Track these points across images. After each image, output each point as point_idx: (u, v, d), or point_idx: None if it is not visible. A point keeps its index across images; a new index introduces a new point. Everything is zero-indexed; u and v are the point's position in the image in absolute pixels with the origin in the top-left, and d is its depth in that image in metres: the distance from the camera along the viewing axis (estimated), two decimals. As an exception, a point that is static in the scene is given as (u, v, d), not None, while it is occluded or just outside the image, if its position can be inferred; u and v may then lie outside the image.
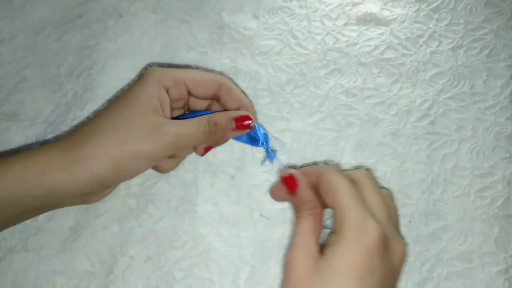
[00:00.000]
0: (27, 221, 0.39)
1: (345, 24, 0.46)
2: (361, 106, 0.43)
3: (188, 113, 0.38)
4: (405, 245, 0.30)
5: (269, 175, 0.40)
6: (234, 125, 0.34)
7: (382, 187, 0.37)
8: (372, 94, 0.43)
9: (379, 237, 0.27)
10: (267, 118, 0.42)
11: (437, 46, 0.45)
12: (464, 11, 0.46)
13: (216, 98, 0.37)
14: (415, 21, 0.46)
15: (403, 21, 0.46)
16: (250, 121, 0.34)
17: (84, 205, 0.39)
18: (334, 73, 0.44)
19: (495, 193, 0.39)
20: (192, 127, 0.33)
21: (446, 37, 0.45)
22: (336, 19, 0.46)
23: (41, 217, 0.39)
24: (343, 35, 0.46)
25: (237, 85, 0.38)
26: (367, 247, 0.27)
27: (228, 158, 0.41)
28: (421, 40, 0.45)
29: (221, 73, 0.42)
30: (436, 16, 0.46)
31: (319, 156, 0.41)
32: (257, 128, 0.36)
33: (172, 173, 0.40)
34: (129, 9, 0.47)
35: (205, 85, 0.36)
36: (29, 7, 0.47)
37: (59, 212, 0.39)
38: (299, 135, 0.42)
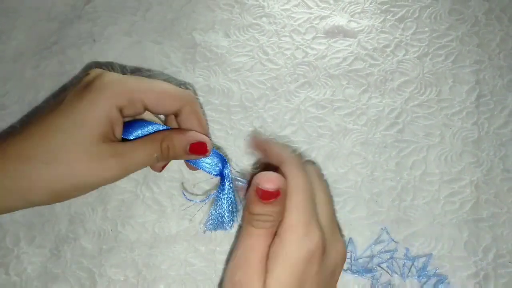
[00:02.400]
0: (9, 245, 0.40)
1: (313, 38, 0.47)
2: (331, 118, 0.44)
3: (137, 123, 0.33)
4: (343, 245, 0.30)
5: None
6: (187, 149, 0.31)
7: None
8: (341, 105, 0.44)
9: (320, 245, 0.27)
10: (240, 133, 0.43)
11: (404, 55, 0.46)
12: (429, 19, 0.47)
13: (174, 115, 0.33)
14: (382, 32, 0.47)
15: (370, 32, 0.47)
16: (206, 148, 0.32)
17: (64, 227, 0.40)
18: (304, 87, 0.45)
19: (464, 197, 0.40)
20: (143, 153, 0.30)
21: (412, 45, 0.46)
22: (304, 33, 0.48)
23: (23, 241, 0.40)
24: (312, 48, 0.47)
25: (200, 105, 0.35)
26: (308, 256, 0.26)
27: (204, 175, 0.42)
28: (388, 50, 0.46)
29: (187, 88, 0.38)
30: (401, 25, 0.47)
31: (292, 168, 0.42)
32: (215, 154, 0.33)
33: (148, 193, 0.41)
34: (102, 34, 0.48)
35: (167, 103, 0.32)
36: (6, 37, 0.49)
37: (39, 235, 0.40)
38: (272, 148, 0.43)
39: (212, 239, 0.40)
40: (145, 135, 0.32)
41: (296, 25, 0.48)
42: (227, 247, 0.39)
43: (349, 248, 0.39)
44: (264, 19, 0.49)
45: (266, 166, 0.32)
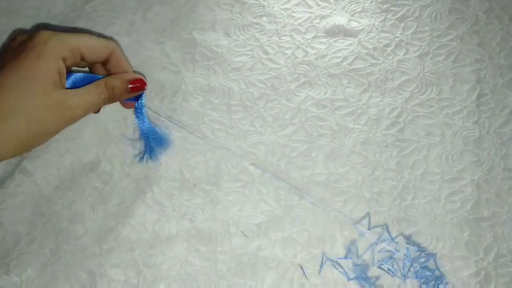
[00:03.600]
0: (9, 245, 0.40)
1: (314, 37, 0.47)
2: (331, 117, 0.44)
3: (77, 75, 0.38)
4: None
5: (244, 190, 0.41)
6: (128, 87, 0.37)
7: None
8: (342, 104, 0.44)
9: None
10: (241, 132, 0.43)
11: (404, 54, 0.46)
12: (429, 18, 0.47)
13: (103, 63, 0.38)
14: (382, 31, 0.47)
15: (370, 31, 0.47)
16: (144, 83, 0.38)
17: (64, 227, 0.40)
18: (305, 86, 0.45)
19: (465, 197, 0.40)
20: (93, 95, 0.35)
21: (412, 45, 0.46)
22: (305, 33, 0.48)
23: (23, 240, 0.40)
24: (312, 48, 0.47)
25: (123, 53, 0.39)
26: None
27: (204, 175, 0.42)
28: (388, 49, 0.46)
29: (110, 38, 0.45)
30: (402, 25, 0.47)
31: (292, 167, 0.42)
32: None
33: (148, 193, 0.41)
34: (103, 33, 0.48)
35: (98, 52, 0.37)
36: (6, 36, 0.48)
37: (40, 234, 0.40)
38: (273, 147, 0.43)
39: (213, 239, 0.40)
40: (84, 85, 0.36)
41: (297, 24, 0.48)
42: (228, 247, 0.39)
43: (350, 250, 0.39)
44: (264, 18, 0.49)
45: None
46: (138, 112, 0.41)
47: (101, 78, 0.37)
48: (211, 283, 0.38)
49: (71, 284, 0.38)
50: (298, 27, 0.48)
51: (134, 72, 0.41)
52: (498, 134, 0.42)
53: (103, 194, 0.41)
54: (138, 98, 0.40)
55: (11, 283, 0.39)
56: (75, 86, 0.37)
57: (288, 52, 0.47)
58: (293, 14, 0.49)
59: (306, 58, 0.46)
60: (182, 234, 0.40)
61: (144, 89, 0.38)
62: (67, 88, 0.36)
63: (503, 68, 0.44)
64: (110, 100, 0.37)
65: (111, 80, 0.37)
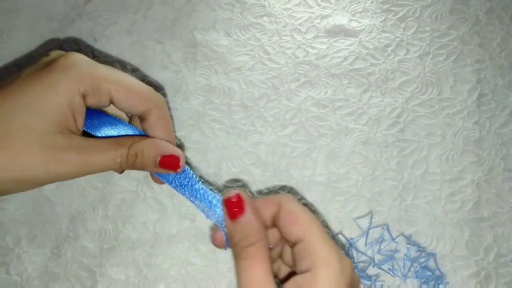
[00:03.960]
0: (10, 244, 0.40)
1: (314, 37, 0.47)
2: (332, 117, 0.44)
3: (105, 117, 0.29)
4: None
5: (245, 190, 0.41)
6: (157, 161, 0.27)
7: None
8: (342, 104, 0.44)
9: (353, 272, 0.24)
10: (241, 132, 0.43)
11: (405, 54, 0.46)
12: (430, 18, 0.47)
13: (140, 117, 0.29)
14: (383, 31, 0.47)
15: (371, 31, 0.47)
16: (179, 164, 0.27)
17: (65, 227, 0.40)
18: (305, 86, 0.45)
19: (465, 197, 0.40)
20: (107, 155, 0.26)
21: (413, 45, 0.46)
22: (305, 33, 0.48)
23: (23, 240, 0.40)
24: (313, 47, 0.47)
25: (168, 112, 0.31)
26: (348, 280, 0.23)
27: (204, 174, 0.42)
28: (389, 49, 0.46)
29: (158, 89, 0.32)
30: (403, 25, 0.47)
31: (293, 167, 0.42)
32: (193, 178, 0.28)
33: (149, 192, 0.41)
34: (104, 33, 0.48)
35: (136, 102, 0.28)
36: (6, 36, 0.49)
37: (40, 234, 0.40)
38: (273, 147, 0.43)
39: (213, 239, 0.40)
40: (112, 135, 0.28)
41: (297, 24, 0.48)
42: (228, 247, 0.39)
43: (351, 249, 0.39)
44: (265, 18, 0.49)
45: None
46: (182, 188, 0.29)
47: (135, 134, 0.29)
48: (212, 283, 0.38)
49: (71, 283, 0.38)
50: (298, 27, 0.48)
51: (176, 144, 0.30)
52: (498, 134, 0.42)
53: (104, 193, 0.41)
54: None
55: (12, 282, 0.39)
56: (100, 128, 0.28)
57: (289, 52, 0.47)
58: (294, 14, 0.49)
59: (306, 58, 0.46)
60: (182, 233, 0.40)
61: (177, 171, 0.28)
62: (84, 131, 0.28)
63: (503, 69, 0.44)
64: (129, 167, 0.28)
65: (140, 144, 0.27)
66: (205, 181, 0.30)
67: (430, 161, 0.41)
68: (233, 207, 0.25)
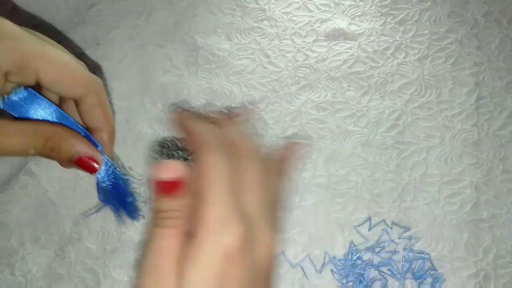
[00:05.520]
0: (14, 246, 0.41)
1: (314, 41, 0.48)
2: (332, 120, 0.44)
3: (34, 96, 0.25)
4: (272, 238, 0.25)
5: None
6: (74, 160, 0.26)
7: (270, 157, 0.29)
8: (342, 107, 0.45)
9: (241, 241, 0.23)
10: (242, 135, 0.44)
11: (404, 58, 0.46)
12: (428, 22, 0.48)
13: (75, 101, 0.27)
14: (382, 34, 0.48)
15: (370, 35, 0.48)
16: (95, 167, 0.26)
17: (68, 228, 0.41)
18: (305, 89, 0.46)
19: (464, 198, 0.40)
20: (19, 143, 0.24)
21: (412, 48, 0.47)
22: (305, 36, 0.48)
23: (27, 242, 0.41)
24: (313, 51, 0.47)
25: (108, 98, 0.29)
26: (226, 255, 0.22)
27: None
28: (388, 52, 0.47)
29: (94, 75, 0.28)
30: (401, 28, 0.48)
31: (293, 169, 0.42)
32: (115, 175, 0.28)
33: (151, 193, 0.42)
34: (106, 37, 0.49)
35: (68, 86, 0.25)
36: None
37: (44, 235, 0.41)
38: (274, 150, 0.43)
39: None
40: (36, 118, 0.25)
41: (297, 28, 0.49)
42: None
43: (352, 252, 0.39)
44: (265, 22, 0.49)
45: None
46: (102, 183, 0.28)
47: (62, 122, 0.26)
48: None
49: (75, 284, 0.39)
50: (298, 31, 0.49)
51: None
52: (497, 136, 0.42)
53: (107, 195, 0.42)
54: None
55: (17, 283, 0.39)
56: (26, 107, 0.25)
57: (289, 55, 0.47)
58: (294, 18, 0.49)
59: (306, 62, 0.47)
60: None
61: (92, 173, 0.27)
62: (4, 104, 0.25)
63: (501, 71, 0.45)
64: (42, 154, 0.26)
65: (58, 138, 0.25)
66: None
67: (429, 163, 0.41)
68: (167, 187, 0.23)
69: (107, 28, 0.50)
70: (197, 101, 0.46)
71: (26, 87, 0.25)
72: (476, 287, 0.37)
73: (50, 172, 0.43)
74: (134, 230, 0.41)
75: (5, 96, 0.24)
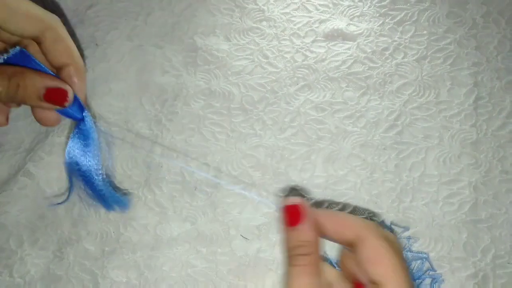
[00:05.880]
0: (12, 247, 0.41)
1: (313, 41, 0.48)
2: (330, 120, 0.44)
3: (21, 52, 0.26)
4: None
5: (245, 192, 0.42)
6: (42, 94, 0.25)
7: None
8: (341, 108, 0.45)
9: None
10: (241, 135, 0.44)
11: (403, 58, 0.46)
12: (427, 22, 0.48)
13: (36, 41, 0.26)
14: (381, 35, 0.48)
15: (369, 35, 0.48)
16: (66, 97, 0.25)
17: (67, 230, 0.41)
18: (304, 89, 0.46)
19: (462, 199, 0.40)
20: None
21: (410, 48, 0.47)
22: (304, 37, 0.48)
23: (26, 243, 0.41)
24: (312, 51, 0.47)
25: (66, 33, 0.27)
26: None
27: (204, 177, 0.42)
28: (386, 53, 0.47)
29: (49, 12, 0.27)
30: (400, 28, 0.48)
31: (292, 170, 0.42)
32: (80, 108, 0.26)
33: (149, 195, 0.42)
34: (105, 38, 0.49)
35: (22, 25, 0.25)
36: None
37: (43, 237, 0.41)
38: (272, 150, 0.43)
39: (214, 241, 0.40)
40: None
41: (296, 28, 0.49)
42: (228, 249, 0.40)
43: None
44: (264, 23, 0.49)
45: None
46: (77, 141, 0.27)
47: (30, 66, 0.25)
48: (212, 285, 0.39)
49: (73, 285, 0.39)
50: (297, 31, 0.49)
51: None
52: (495, 136, 0.42)
53: (105, 196, 0.42)
54: (77, 115, 0.27)
55: (15, 284, 0.39)
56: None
57: (288, 56, 0.47)
58: (293, 19, 0.49)
59: (305, 62, 0.47)
60: (183, 236, 0.40)
61: (64, 105, 0.25)
62: None
63: (500, 72, 0.45)
64: (9, 100, 0.25)
65: (22, 74, 0.25)
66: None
67: (428, 163, 0.41)
68: (293, 215, 0.24)
69: (106, 28, 0.50)
70: (196, 101, 0.46)
71: (21, 48, 0.25)
72: (474, 287, 0.37)
73: (48, 174, 0.43)
74: (132, 231, 0.41)
75: (4, 54, 0.25)
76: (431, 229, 0.39)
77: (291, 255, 0.24)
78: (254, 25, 0.49)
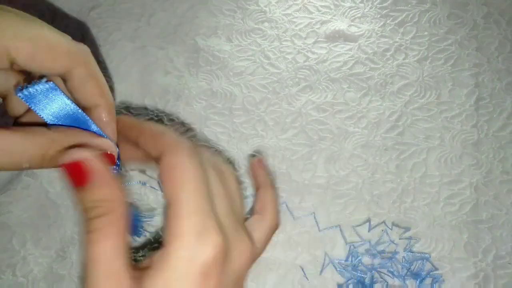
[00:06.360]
0: (15, 247, 0.41)
1: (314, 42, 0.48)
2: (332, 121, 0.44)
3: (56, 95, 0.22)
4: (248, 244, 0.23)
5: (246, 192, 0.42)
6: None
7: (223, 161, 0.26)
8: (342, 108, 0.45)
9: (220, 253, 0.20)
10: (242, 136, 0.44)
11: (404, 59, 0.46)
12: (428, 23, 0.48)
13: (62, 77, 0.23)
14: (382, 36, 0.48)
15: (370, 36, 0.48)
16: (113, 161, 0.23)
17: (69, 229, 0.41)
18: (306, 90, 0.46)
19: (463, 199, 0.40)
20: (4, 159, 0.20)
21: (412, 49, 0.47)
22: (305, 38, 0.48)
23: (29, 242, 0.41)
24: (313, 52, 0.48)
25: (97, 68, 0.23)
26: (203, 270, 0.20)
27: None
28: (388, 54, 0.47)
29: (78, 43, 0.23)
30: (401, 30, 0.48)
31: (293, 170, 0.42)
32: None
33: (151, 195, 0.42)
34: (107, 39, 0.49)
35: (50, 62, 0.21)
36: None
37: (45, 237, 0.41)
38: (274, 151, 0.43)
39: (215, 241, 0.40)
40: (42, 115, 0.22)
41: (298, 29, 0.49)
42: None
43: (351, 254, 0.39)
44: (265, 24, 0.49)
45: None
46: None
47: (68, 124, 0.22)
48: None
49: (76, 284, 0.39)
50: (299, 33, 0.49)
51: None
52: (496, 137, 0.42)
53: (108, 196, 0.42)
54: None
55: (18, 283, 0.39)
56: (47, 109, 0.22)
57: (289, 57, 0.48)
58: (294, 20, 0.49)
59: (306, 63, 0.47)
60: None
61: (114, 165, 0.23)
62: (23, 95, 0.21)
63: (501, 72, 0.45)
64: (42, 168, 0.22)
65: (60, 145, 0.21)
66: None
67: (429, 164, 0.42)
68: (77, 173, 0.20)
69: (108, 30, 0.50)
70: (198, 102, 0.46)
71: (47, 80, 0.22)
72: (475, 287, 0.37)
73: (51, 173, 0.43)
74: (135, 230, 0.41)
75: (25, 85, 0.22)
76: (432, 230, 0.39)
77: (86, 219, 0.20)
78: (256, 26, 0.49)
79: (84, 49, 0.23)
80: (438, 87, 0.45)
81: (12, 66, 0.21)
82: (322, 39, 0.48)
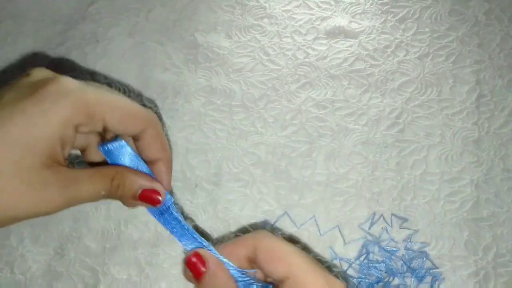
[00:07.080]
0: (13, 244, 0.41)
1: (314, 39, 0.48)
2: (332, 118, 0.44)
3: (123, 148, 0.28)
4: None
5: (245, 190, 0.42)
6: (138, 194, 0.27)
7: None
8: (342, 105, 0.44)
9: None
10: (242, 133, 0.44)
11: (404, 56, 0.46)
12: (429, 20, 0.48)
13: (134, 137, 0.28)
14: (382, 32, 0.47)
15: (370, 33, 0.47)
16: (159, 199, 0.27)
17: (68, 226, 0.41)
18: (305, 87, 0.46)
19: (464, 197, 0.40)
20: (91, 188, 0.25)
21: (412, 46, 0.46)
22: (306, 34, 0.48)
23: (27, 240, 0.41)
24: (313, 49, 0.47)
25: (162, 129, 0.29)
26: None
27: (205, 174, 0.42)
28: (388, 50, 0.46)
29: (150, 109, 0.30)
30: (402, 26, 0.47)
31: (293, 167, 0.42)
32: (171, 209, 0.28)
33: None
34: (106, 35, 0.49)
35: (130, 125, 0.27)
36: (11, 39, 0.49)
37: (43, 234, 0.41)
38: (273, 148, 0.43)
39: (214, 238, 0.40)
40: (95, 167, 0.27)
41: (297, 26, 0.49)
42: (228, 246, 0.40)
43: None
44: (265, 20, 0.49)
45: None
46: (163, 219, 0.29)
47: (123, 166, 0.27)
48: (212, 282, 0.39)
49: (74, 282, 0.39)
50: (299, 29, 0.48)
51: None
52: (497, 134, 0.42)
53: (106, 193, 0.42)
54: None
55: (16, 281, 0.39)
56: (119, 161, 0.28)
57: (289, 53, 0.47)
58: (294, 16, 0.49)
59: (306, 60, 0.47)
60: (183, 233, 0.40)
61: (156, 206, 0.27)
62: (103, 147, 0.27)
63: (502, 69, 0.45)
64: (110, 198, 0.27)
65: (122, 175, 0.26)
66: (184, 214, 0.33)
67: (429, 161, 0.41)
68: (195, 268, 0.26)
69: (107, 25, 0.49)
70: (197, 99, 0.45)
71: (119, 138, 0.28)
72: (476, 285, 0.37)
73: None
74: (133, 228, 0.41)
75: (106, 142, 0.27)
76: (432, 227, 0.39)
77: None
78: (256, 22, 0.49)
79: (154, 116, 0.28)
80: (439, 84, 0.45)
81: (103, 129, 0.26)
82: (322, 36, 0.48)
